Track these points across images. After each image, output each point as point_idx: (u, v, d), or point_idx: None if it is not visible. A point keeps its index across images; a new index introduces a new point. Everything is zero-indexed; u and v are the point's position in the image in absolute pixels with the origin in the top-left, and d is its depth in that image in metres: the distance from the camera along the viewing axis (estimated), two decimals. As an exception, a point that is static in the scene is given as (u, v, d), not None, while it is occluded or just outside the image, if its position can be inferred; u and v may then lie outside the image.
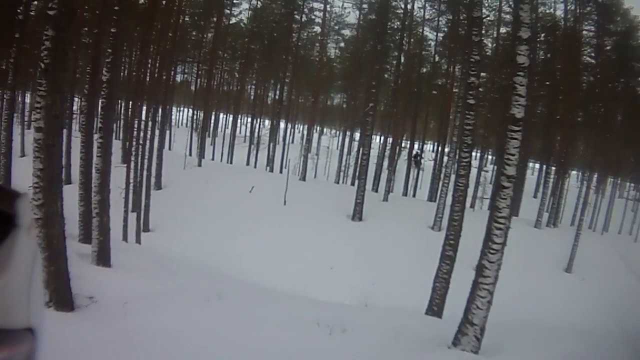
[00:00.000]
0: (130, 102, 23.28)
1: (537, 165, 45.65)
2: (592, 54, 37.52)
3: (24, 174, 18.82)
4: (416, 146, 45.23)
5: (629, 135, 38.21)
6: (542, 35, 38.05)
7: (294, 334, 8.61)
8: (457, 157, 21.52)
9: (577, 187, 37.09)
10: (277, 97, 49.52)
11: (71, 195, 12.34)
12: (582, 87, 36.19)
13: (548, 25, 37.89)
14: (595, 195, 39.27)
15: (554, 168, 39.38)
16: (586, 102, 36.04)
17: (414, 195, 41.36)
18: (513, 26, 14.00)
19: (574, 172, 43.89)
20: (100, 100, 12.95)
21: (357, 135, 44.94)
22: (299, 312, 10.18)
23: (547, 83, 36.69)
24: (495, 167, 32.87)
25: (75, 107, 28.48)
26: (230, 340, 7.50)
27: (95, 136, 13.32)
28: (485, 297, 9.13)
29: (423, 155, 43.06)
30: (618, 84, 37.92)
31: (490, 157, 46.05)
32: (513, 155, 8.99)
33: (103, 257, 10.73)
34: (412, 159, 43.47)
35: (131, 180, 21.00)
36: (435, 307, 15.02)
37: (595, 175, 40.63)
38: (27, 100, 37.76)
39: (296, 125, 65.40)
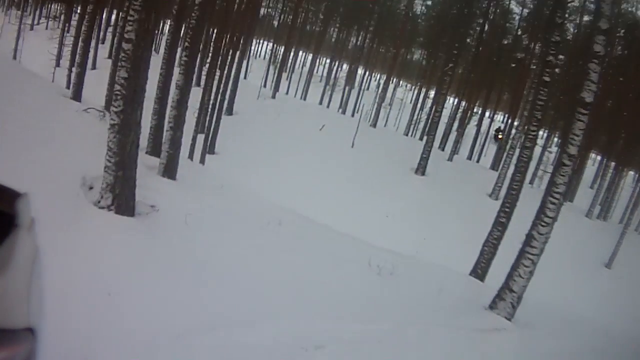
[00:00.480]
0: (215, 30, 23.57)
1: (599, 158, 44.80)
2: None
3: (94, 84, 19.84)
4: (500, 121, 44.95)
5: None
6: (622, 31, 37.29)
7: (345, 269, 8.91)
8: (525, 129, 21.40)
9: (632, 187, 36.76)
10: (358, 43, 49.28)
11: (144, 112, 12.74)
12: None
13: (628, 23, 37.23)
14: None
15: (613, 163, 38.98)
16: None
17: (477, 161, 41.11)
18: (594, 15, 13.91)
19: (631, 172, 42.86)
20: (189, 22, 13.28)
21: (431, 93, 44.70)
22: (352, 250, 10.45)
23: (621, 79, 35.83)
24: (559, 149, 32.48)
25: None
26: (284, 266, 7.80)
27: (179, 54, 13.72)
28: (528, 266, 9.28)
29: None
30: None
31: (556, 139, 45.25)
32: (577, 136, 9.09)
33: (170, 170, 11.07)
34: (494, 132, 43.31)
35: (205, 103, 21.55)
36: (480, 271, 15.19)
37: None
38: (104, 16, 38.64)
39: (373, 74, 65.12)
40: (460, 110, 41.90)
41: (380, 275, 9.02)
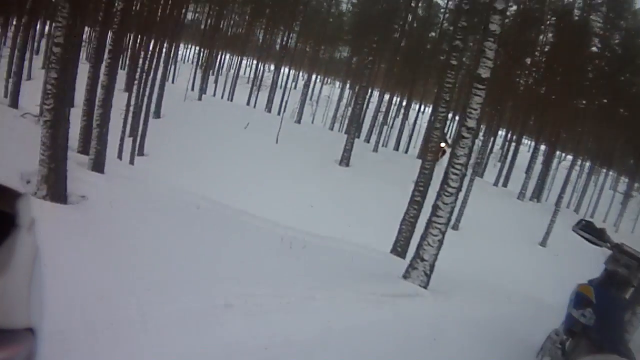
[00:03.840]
0: (139, 36, 24.11)
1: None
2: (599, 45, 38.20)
3: (30, 93, 20.16)
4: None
5: (629, 129, 38.88)
6: (552, 18, 38.77)
7: (258, 244, 9.47)
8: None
9: (567, 169, 38.00)
10: (284, 43, 50.10)
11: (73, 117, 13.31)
12: (587, 76, 36.77)
13: (558, 10, 38.49)
14: (585, 182, 40.29)
15: (544, 147, 40.60)
16: (587, 90, 36.81)
17: (406, 152, 42.08)
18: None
19: (570, 157, 44.57)
20: (112, 28, 14.10)
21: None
22: (267, 230, 10.92)
23: (544, 65, 37.43)
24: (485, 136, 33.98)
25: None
26: (200, 241, 8.35)
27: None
28: (436, 235, 9.61)
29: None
30: (623, 78, 38.53)
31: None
32: (475, 109, 9.61)
33: (98, 165, 11.69)
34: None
35: (131, 106, 22.11)
36: (399, 248, 15.78)
37: (588, 163, 41.53)
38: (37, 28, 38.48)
39: (300, 73, 66.01)
40: (384, 103, 42.95)
41: (292, 248, 9.40)
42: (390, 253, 15.32)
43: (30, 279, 1.33)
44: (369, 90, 37.35)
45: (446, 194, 9.71)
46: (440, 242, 9.72)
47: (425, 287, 9.42)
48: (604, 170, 48.08)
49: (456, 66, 16.74)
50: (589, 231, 5.36)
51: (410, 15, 40.89)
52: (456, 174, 9.73)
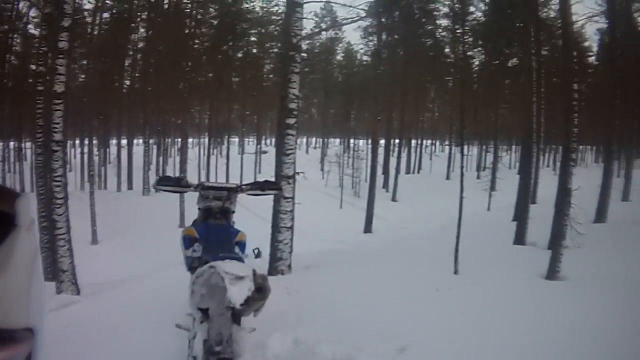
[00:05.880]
0: None
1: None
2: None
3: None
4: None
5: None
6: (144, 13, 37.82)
7: None
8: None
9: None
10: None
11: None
12: (193, 55, 36.82)
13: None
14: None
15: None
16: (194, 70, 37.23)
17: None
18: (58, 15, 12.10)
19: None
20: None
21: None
22: None
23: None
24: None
25: None
26: None
27: None
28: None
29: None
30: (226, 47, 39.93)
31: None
32: (58, 124, 10.12)
33: None
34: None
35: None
36: None
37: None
38: None
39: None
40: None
41: None
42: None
43: (30, 279, 1.31)
44: None
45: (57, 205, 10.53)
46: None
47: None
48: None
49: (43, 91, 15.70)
50: (169, 183, 5.54)
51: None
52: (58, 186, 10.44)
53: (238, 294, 3.64)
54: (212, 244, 4.69)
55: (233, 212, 5.34)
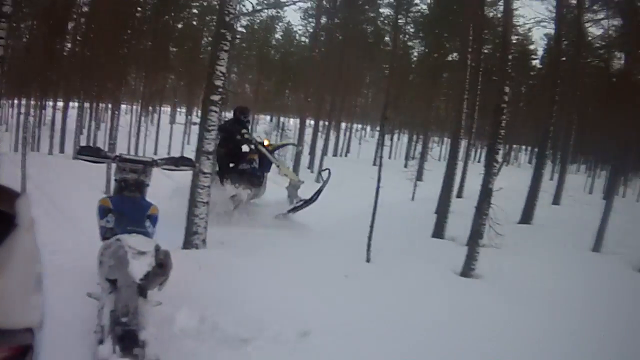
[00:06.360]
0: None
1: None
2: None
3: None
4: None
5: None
6: None
7: None
8: None
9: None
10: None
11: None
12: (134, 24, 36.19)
13: None
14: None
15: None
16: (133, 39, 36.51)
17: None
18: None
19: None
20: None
21: None
22: None
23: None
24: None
25: None
26: None
27: None
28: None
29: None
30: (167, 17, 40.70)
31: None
32: None
33: None
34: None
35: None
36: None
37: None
38: None
39: None
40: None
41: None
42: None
43: (30, 279, 1.33)
44: None
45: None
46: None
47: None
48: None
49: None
50: (88, 153, 5.62)
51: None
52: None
53: (139, 268, 3.80)
54: (124, 216, 4.83)
55: (147, 185, 5.48)
